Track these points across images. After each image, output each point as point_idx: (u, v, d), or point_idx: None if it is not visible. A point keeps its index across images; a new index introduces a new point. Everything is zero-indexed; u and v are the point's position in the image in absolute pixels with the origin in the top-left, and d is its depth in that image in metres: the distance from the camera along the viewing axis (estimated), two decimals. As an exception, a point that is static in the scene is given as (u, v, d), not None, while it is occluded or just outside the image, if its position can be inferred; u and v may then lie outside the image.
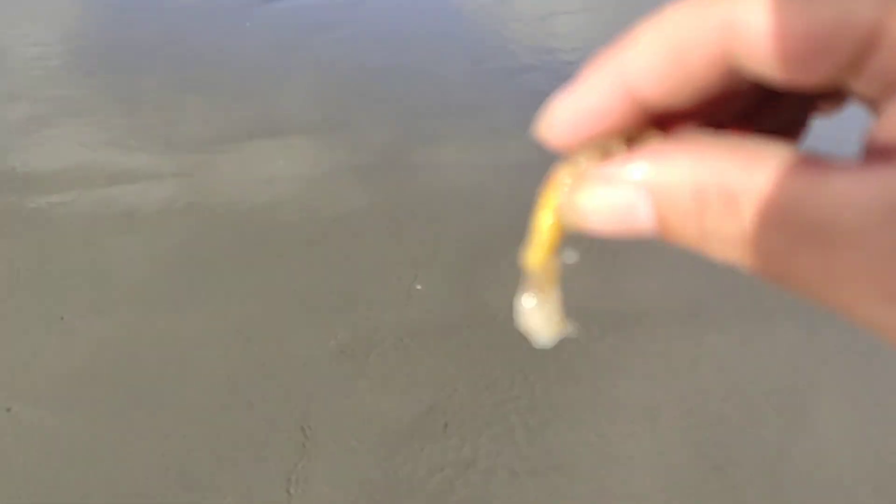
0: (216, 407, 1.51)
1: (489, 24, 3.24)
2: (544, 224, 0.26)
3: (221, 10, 3.26)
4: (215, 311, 1.75)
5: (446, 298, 1.79)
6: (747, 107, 0.25)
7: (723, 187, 0.21)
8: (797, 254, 0.20)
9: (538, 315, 0.28)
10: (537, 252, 0.26)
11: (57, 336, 1.66)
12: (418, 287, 1.81)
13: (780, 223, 0.20)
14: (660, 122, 0.24)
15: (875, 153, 0.20)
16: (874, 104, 0.20)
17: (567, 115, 0.24)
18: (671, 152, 0.22)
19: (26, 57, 3.02)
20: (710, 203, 0.21)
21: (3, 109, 2.65)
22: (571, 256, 0.27)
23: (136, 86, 2.76)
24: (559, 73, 2.88)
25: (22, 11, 3.47)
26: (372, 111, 2.59)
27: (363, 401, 1.53)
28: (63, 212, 2.09)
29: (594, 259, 1.90)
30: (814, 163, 0.20)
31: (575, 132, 0.24)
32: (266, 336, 1.68)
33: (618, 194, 0.22)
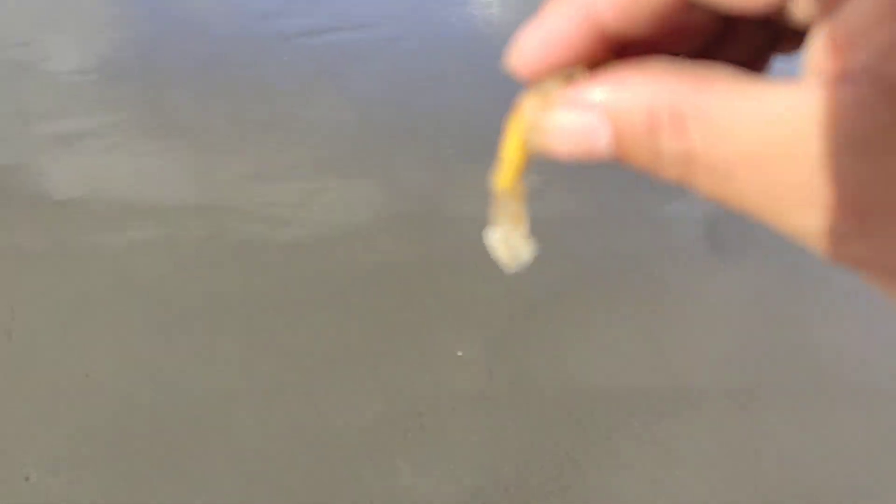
0: (242, 478, 1.41)
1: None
2: (512, 147, 0.26)
3: (261, 41, 3.21)
4: (243, 369, 1.66)
5: (488, 367, 1.68)
6: (707, 43, 0.26)
7: (673, 108, 0.21)
8: (737, 171, 0.20)
9: (508, 241, 0.29)
10: (506, 175, 0.27)
11: (81, 394, 1.58)
12: (459, 353, 1.71)
13: (721, 142, 0.20)
14: (623, 53, 0.24)
15: (811, 73, 0.21)
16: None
17: (534, 43, 0.25)
18: (628, 76, 0.23)
19: (61, 79, 2.98)
20: (662, 123, 0.22)
21: (34, 130, 2.61)
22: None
23: (170, 115, 2.71)
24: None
25: (59, 30, 3.46)
26: (409, 154, 2.52)
27: (399, 483, 1.42)
28: (92, 246, 2.02)
29: (645, 333, 1.79)
30: (754, 83, 0.21)
31: (542, 60, 0.25)
32: (298, 398, 1.59)
33: (579, 117, 0.23)
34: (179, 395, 1.58)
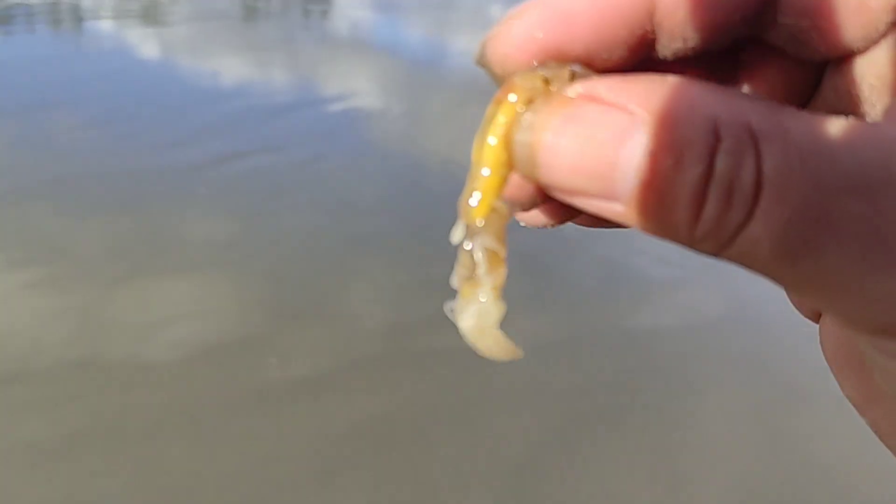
0: None
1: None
2: (490, 159, 0.21)
3: (171, 173, 2.96)
4: None
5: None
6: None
7: (743, 124, 0.18)
8: (829, 205, 0.18)
9: (483, 308, 0.21)
10: (482, 200, 0.21)
11: None
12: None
13: (809, 169, 0.18)
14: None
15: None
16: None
17: (523, 29, 0.22)
18: (669, 78, 0.19)
19: None
20: (728, 142, 0.18)
21: None
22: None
23: (63, 258, 2.37)
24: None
25: None
26: (359, 290, 2.33)
27: None
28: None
29: (650, 471, 1.67)
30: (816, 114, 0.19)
31: (532, 49, 0.22)
32: None
33: (603, 116, 0.19)
34: None
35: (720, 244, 0.19)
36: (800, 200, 0.18)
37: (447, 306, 0.23)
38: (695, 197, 0.18)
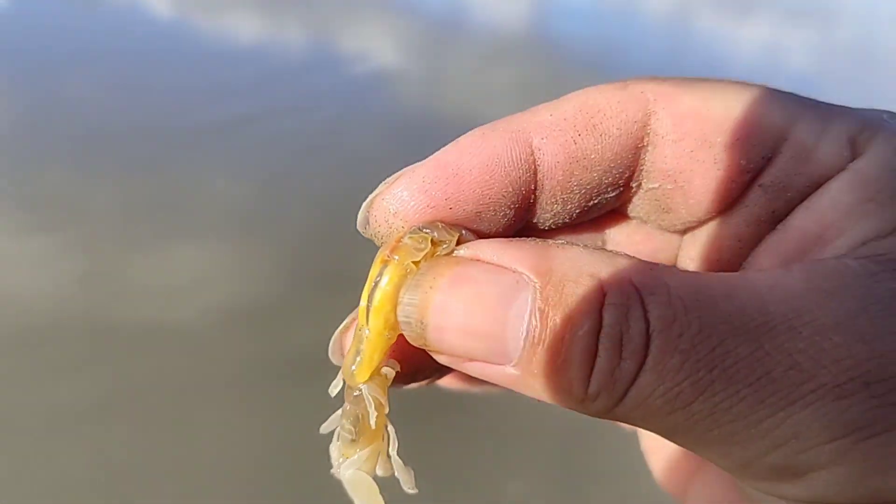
0: None
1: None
2: (378, 322, 0.20)
3: (194, 134, 2.90)
4: None
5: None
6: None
7: (624, 281, 0.19)
8: (714, 350, 0.19)
9: (363, 481, 0.21)
10: (364, 363, 0.20)
11: None
12: None
13: (694, 316, 0.19)
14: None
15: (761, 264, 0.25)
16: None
17: (416, 187, 0.22)
18: (548, 243, 0.20)
19: None
20: (613, 297, 0.19)
21: None
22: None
23: (86, 220, 2.33)
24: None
25: None
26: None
27: None
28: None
29: None
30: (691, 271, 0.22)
31: (419, 208, 0.22)
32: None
33: (494, 277, 0.19)
34: None
35: (614, 398, 0.19)
36: (688, 347, 0.18)
37: (335, 467, 0.23)
38: (586, 351, 0.18)
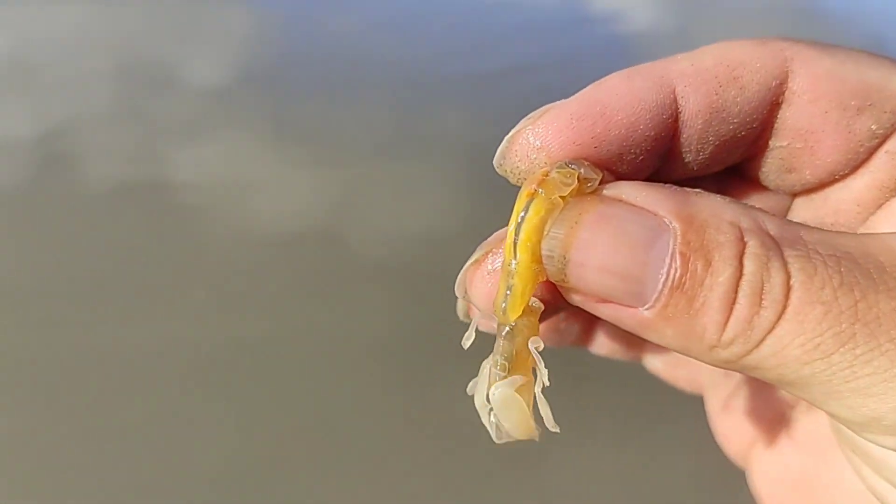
0: None
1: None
2: (524, 255, 0.20)
3: (457, 83, 2.97)
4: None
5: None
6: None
7: (765, 231, 0.19)
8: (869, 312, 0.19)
9: (513, 405, 0.21)
10: (514, 299, 0.21)
11: None
12: None
13: (832, 272, 0.19)
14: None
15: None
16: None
17: (562, 121, 0.22)
18: (692, 191, 0.21)
19: (193, 95, 2.80)
20: (753, 246, 0.19)
21: (166, 146, 2.41)
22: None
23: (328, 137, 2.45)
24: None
25: (192, 45, 3.31)
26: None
27: None
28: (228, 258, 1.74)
29: None
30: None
31: (566, 142, 0.22)
32: None
33: (637, 217, 0.20)
34: None
35: (749, 345, 0.19)
36: (831, 299, 0.18)
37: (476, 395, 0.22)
38: (726, 297, 0.19)
